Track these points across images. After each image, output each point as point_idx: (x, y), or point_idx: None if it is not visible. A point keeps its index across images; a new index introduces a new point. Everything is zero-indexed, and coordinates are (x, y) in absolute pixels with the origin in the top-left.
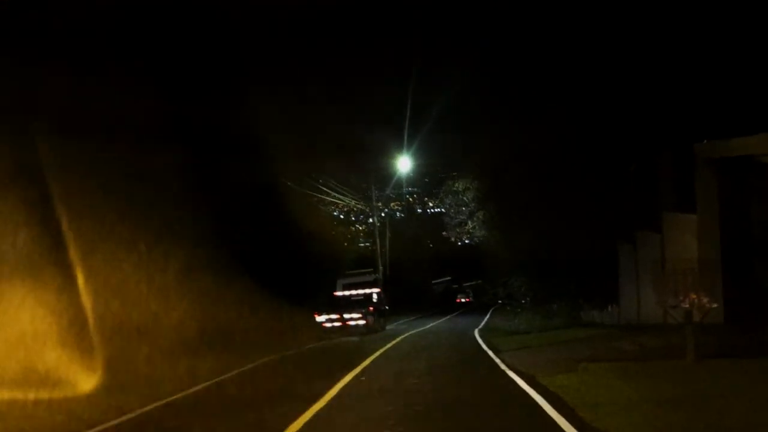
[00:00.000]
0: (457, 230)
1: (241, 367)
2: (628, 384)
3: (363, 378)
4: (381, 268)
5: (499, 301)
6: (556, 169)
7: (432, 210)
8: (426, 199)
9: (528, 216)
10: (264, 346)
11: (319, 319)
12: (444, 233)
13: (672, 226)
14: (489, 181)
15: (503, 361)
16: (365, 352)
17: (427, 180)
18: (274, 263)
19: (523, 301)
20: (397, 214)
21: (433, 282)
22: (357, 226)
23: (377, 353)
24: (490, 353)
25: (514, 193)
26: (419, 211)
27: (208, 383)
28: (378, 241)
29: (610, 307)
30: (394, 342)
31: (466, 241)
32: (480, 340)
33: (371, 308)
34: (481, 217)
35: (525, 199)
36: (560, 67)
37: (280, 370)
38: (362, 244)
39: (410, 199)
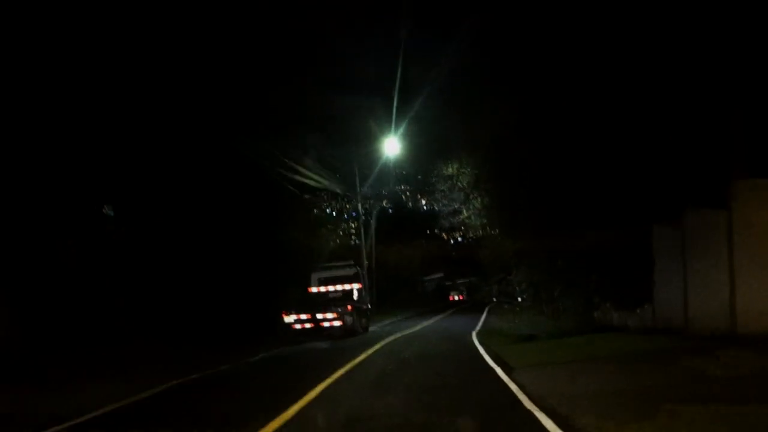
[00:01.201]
0: (451, 219)
1: (137, 395)
2: None
3: None
4: (366, 262)
5: (494, 299)
6: (569, 135)
7: (425, 208)
8: (419, 196)
9: (533, 195)
10: (198, 357)
11: (288, 319)
12: (436, 231)
13: (748, 198)
14: (488, 156)
15: (522, 388)
16: (326, 367)
17: (420, 177)
18: (234, 251)
19: (520, 299)
20: (389, 210)
21: (424, 278)
22: (351, 223)
23: (341, 370)
24: (499, 372)
25: (518, 167)
26: (410, 205)
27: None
28: (362, 230)
29: (639, 308)
30: (371, 351)
31: (459, 239)
32: (481, 349)
33: (350, 307)
34: (477, 204)
35: (530, 175)
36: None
37: (187, 401)
38: (354, 242)
39: (402, 196)
